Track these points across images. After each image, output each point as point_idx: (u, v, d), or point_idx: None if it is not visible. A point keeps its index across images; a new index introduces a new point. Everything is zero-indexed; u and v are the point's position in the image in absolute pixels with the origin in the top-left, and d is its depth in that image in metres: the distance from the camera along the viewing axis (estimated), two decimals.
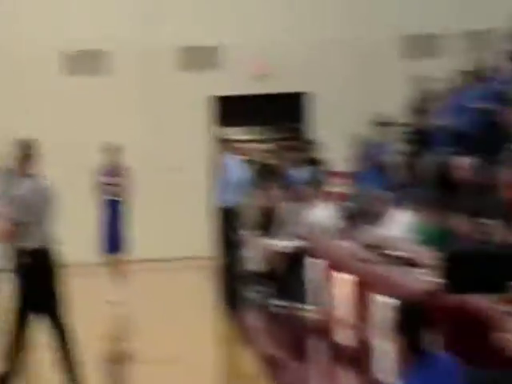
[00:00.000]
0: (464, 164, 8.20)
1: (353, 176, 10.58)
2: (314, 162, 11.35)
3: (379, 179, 9.80)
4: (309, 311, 8.72)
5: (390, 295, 6.15)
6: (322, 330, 8.36)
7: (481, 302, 4.79)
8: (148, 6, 14.41)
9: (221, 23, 14.37)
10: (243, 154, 11.67)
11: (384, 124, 10.98)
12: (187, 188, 13.98)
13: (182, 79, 14.35)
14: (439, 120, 9.57)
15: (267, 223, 10.00)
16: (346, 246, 8.11)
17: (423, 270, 6.29)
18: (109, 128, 13.42)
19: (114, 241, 10.70)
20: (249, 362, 7.58)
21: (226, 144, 11.35)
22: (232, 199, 10.23)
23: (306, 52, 14.12)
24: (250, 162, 12.44)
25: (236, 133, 14.49)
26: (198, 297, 11.07)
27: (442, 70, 11.49)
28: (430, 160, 9.08)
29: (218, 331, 9.26)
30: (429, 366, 3.71)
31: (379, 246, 7.36)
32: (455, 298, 5.03)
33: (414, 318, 3.72)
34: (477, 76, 9.46)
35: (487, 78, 9.37)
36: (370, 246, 7.52)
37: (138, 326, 9.42)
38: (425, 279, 5.95)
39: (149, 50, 14.36)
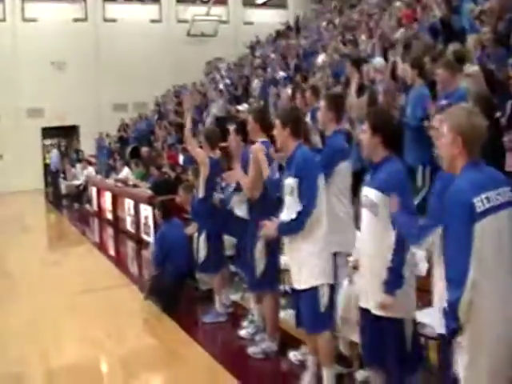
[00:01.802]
0: (145, 149, 20.37)
1: (94, 156, 22.32)
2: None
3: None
4: (89, 208, 19.60)
5: (130, 198, 14.34)
6: (98, 214, 18.18)
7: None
8: None
9: None
10: None
11: None
12: None
13: None
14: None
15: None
16: (107, 181, 18.35)
17: (142, 188, 13.85)
18: None
19: None
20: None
21: None
22: None
23: None
24: None
25: None
26: None
27: None
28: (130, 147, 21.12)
29: None
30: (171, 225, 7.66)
31: (122, 180, 15.89)
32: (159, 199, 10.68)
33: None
34: None
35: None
36: (117, 180, 16.39)
37: None
38: (145, 191, 13.18)
39: None
